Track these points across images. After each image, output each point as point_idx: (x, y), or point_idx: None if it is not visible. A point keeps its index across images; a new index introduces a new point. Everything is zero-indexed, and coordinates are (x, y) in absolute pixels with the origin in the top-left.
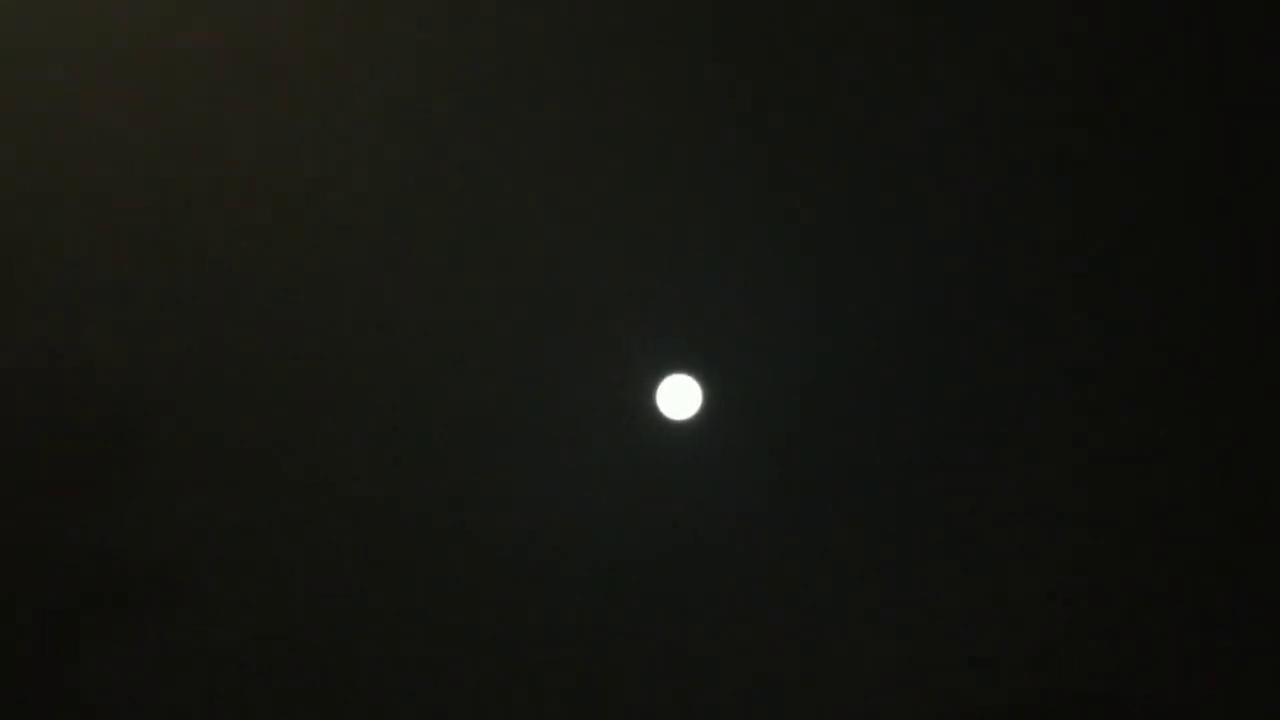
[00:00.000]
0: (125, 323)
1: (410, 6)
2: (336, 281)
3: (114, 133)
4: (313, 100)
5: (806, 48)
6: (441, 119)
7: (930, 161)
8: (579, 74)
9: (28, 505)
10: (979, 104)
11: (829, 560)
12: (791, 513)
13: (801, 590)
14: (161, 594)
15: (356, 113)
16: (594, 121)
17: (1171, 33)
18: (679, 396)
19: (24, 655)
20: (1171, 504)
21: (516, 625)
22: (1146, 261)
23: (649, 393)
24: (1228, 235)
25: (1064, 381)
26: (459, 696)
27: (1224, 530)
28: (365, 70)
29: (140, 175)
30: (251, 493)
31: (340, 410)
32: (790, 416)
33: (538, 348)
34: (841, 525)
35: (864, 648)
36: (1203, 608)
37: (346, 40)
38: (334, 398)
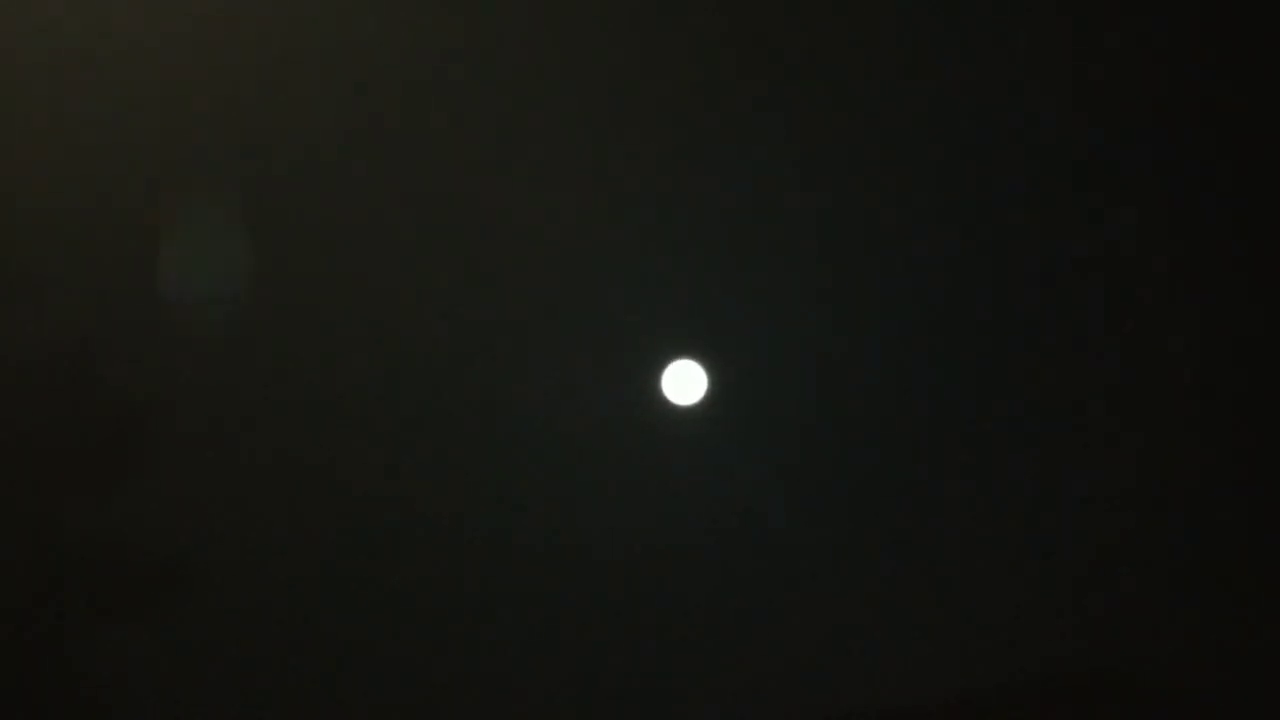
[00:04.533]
0: (130, 321)
1: (413, 3)
2: (340, 276)
3: (117, 132)
4: (313, 99)
5: (818, 37)
6: (445, 113)
7: (944, 150)
8: (583, 61)
9: (34, 500)
10: (997, 99)
11: (834, 544)
12: (796, 497)
13: (806, 573)
14: (166, 587)
15: (358, 110)
16: (600, 109)
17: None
18: (684, 382)
19: (29, 648)
20: (1182, 502)
21: (520, 614)
22: (1162, 263)
23: (654, 378)
24: (1241, 234)
25: (1076, 376)
26: (462, 686)
27: (1233, 527)
28: (368, 68)
29: (144, 174)
30: (255, 489)
31: (344, 402)
32: (795, 401)
33: (542, 334)
34: (846, 509)
35: (869, 632)
36: (1212, 607)
37: (347, 39)
38: (338, 389)
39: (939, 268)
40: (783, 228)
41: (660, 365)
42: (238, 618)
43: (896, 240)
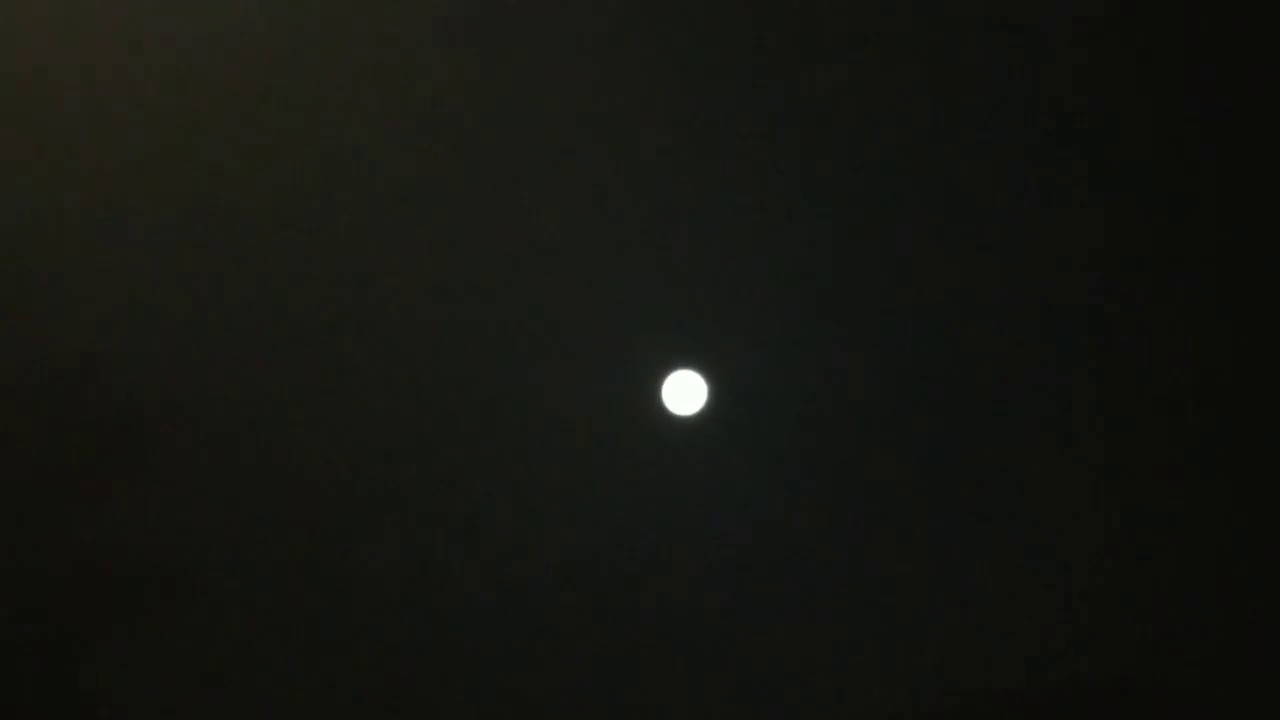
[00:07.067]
0: (133, 322)
1: (408, 5)
2: (341, 281)
3: (122, 131)
4: (315, 100)
5: (818, 39)
6: (442, 115)
7: (949, 158)
8: (581, 66)
9: (35, 504)
10: (1002, 107)
11: (837, 558)
12: (799, 511)
13: (809, 589)
14: (168, 594)
15: (359, 113)
16: (599, 114)
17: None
18: (685, 392)
19: (30, 656)
20: (1185, 504)
21: (519, 625)
22: (1169, 271)
23: (654, 388)
24: (1243, 235)
25: (1080, 381)
26: (460, 696)
27: (1235, 536)
28: (367, 71)
29: (148, 174)
30: (258, 493)
31: (343, 409)
32: (798, 413)
33: (540, 342)
34: (850, 523)
35: (873, 647)
36: (1214, 608)
37: (349, 41)
38: (337, 396)
39: (947, 276)
40: (786, 236)
41: (660, 375)
42: (243, 626)
43: (903, 249)
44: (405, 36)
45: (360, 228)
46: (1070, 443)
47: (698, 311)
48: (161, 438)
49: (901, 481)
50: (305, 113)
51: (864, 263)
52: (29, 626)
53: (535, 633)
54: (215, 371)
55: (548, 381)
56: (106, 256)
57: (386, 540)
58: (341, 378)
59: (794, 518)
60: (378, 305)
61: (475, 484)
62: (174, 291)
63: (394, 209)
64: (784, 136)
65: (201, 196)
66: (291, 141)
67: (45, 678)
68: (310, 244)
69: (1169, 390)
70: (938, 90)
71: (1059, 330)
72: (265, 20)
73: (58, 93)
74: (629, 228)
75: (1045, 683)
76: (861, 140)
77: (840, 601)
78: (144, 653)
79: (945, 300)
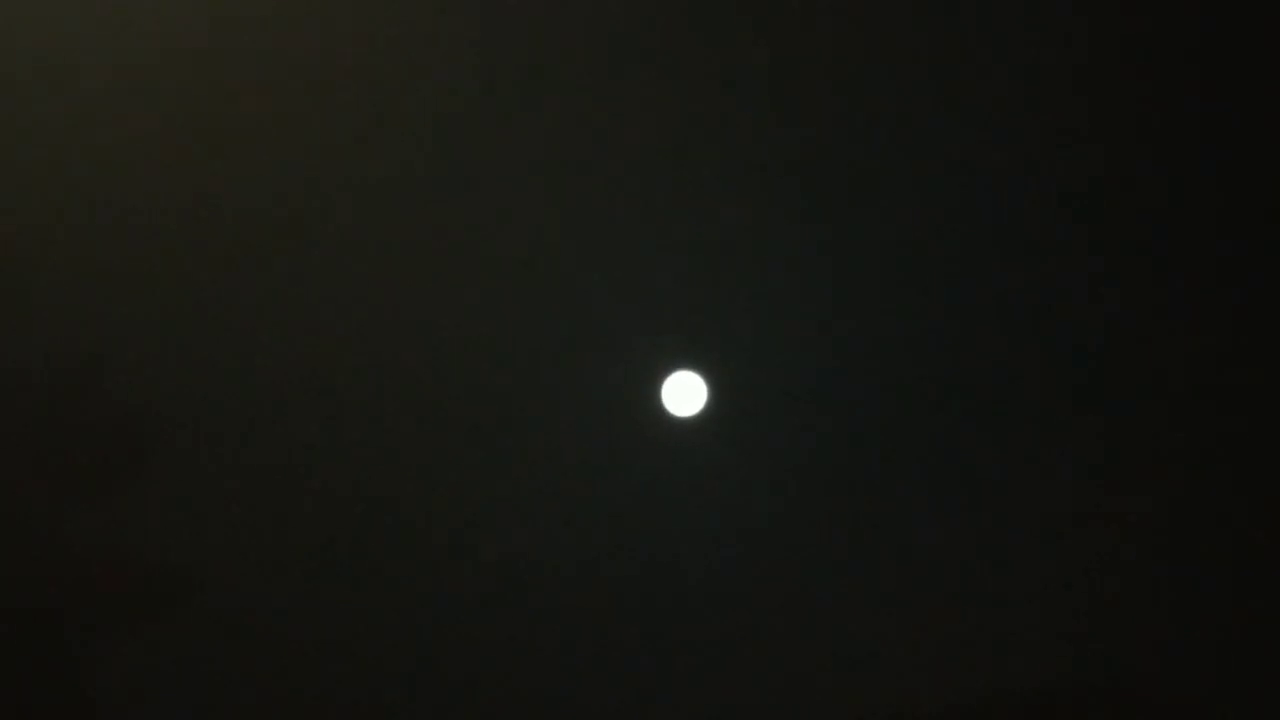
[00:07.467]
0: (133, 322)
1: (408, 7)
2: (340, 282)
3: (122, 131)
4: (314, 98)
5: (819, 41)
6: (442, 113)
7: (949, 159)
8: (580, 65)
9: (35, 504)
10: (1000, 109)
11: (837, 559)
12: (799, 511)
13: (809, 591)
14: (168, 594)
15: (359, 110)
16: (598, 113)
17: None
18: (684, 393)
19: (30, 658)
20: (1186, 504)
21: (518, 627)
22: (1169, 271)
23: (653, 389)
24: (1244, 235)
25: (1081, 381)
26: (459, 698)
27: (1236, 535)
28: (367, 67)
29: (149, 174)
30: (259, 493)
31: (343, 409)
32: (799, 414)
33: (538, 342)
34: (850, 524)
35: (873, 649)
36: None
37: (346, 37)
38: (337, 397)
39: (947, 277)
40: (786, 236)
41: (660, 376)
42: (244, 626)
43: (903, 250)
44: (405, 38)
45: (360, 229)
46: (1070, 443)
47: (698, 312)
48: (161, 438)
49: (902, 482)
50: (305, 114)
51: (864, 263)
52: (29, 626)
53: (535, 633)
54: (215, 371)
55: (547, 382)
56: (106, 256)
57: (386, 541)
58: (342, 378)
59: (794, 518)
60: (377, 306)
61: (475, 484)
62: (174, 291)
63: (394, 210)
64: (784, 137)
65: (201, 196)
66: (291, 142)
67: (45, 678)
68: (310, 244)
69: (1169, 390)
70: (938, 90)
71: (1059, 330)
72: (266, 20)
73: (58, 92)
74: (629, 228)
75: (1045, 683)
76: (862, 141)
77: (840, 602)
78: (144, 653)
79: (945, 301)
